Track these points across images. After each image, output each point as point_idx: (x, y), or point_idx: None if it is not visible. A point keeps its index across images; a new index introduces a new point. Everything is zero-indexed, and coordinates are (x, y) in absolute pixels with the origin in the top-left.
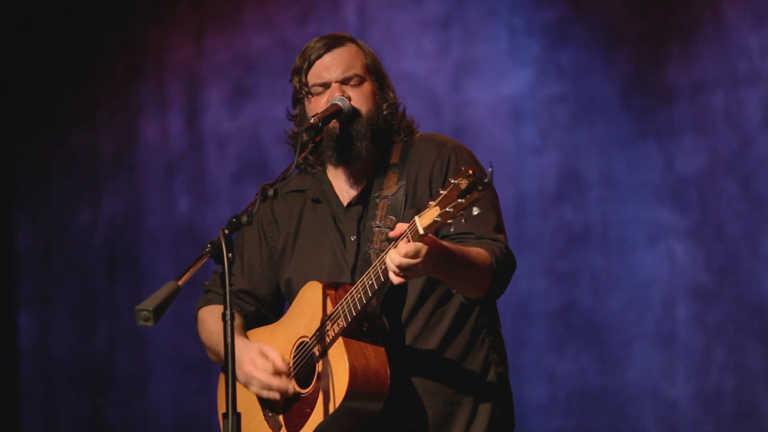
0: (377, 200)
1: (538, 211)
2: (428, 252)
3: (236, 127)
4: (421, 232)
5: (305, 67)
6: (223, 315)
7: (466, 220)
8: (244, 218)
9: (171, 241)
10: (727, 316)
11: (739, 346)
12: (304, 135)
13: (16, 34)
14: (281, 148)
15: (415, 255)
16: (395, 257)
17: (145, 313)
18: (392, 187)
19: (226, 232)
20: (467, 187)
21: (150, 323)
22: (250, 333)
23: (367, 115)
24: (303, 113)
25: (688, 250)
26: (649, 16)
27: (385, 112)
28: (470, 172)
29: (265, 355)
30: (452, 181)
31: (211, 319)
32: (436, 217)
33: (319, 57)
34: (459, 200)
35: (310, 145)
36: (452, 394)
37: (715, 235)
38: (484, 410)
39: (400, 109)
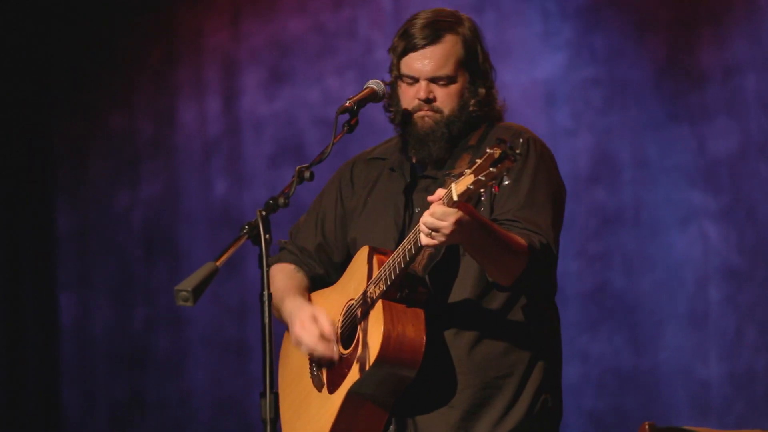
0: (446, 178)
1: (571, 194)
2: (459, 219)
3: (272, 111)
4: (455, 198)
5: (400, 52)
6: (260, 296)
7: (497, 190)
8: (281, 200)
9: (208, 223)
10: (759, 297)
11: None
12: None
13: (55, 19)
14: (317, 131)
15: (442, 217)
16: (425, 217)
17: (184, 293)
18: (463, 167)
19: (264, 213)
20: (499, 157)
21: (189, 303)
22: (311, 295)
23: (448, 115)
24: (394, 89)
25: (720, 232)
26: (681, 0)
27: (470, 109)
28: (505, 140)
29: (315, 320)
30: (488, 151)
31: (278, 277)
32: (470, 184)
33: (414, 50)
34: (491, 169)
35: (344, 129)
36: (495, 378)
37: (747, 217)
38: (525, 400)
39: (490, 99)
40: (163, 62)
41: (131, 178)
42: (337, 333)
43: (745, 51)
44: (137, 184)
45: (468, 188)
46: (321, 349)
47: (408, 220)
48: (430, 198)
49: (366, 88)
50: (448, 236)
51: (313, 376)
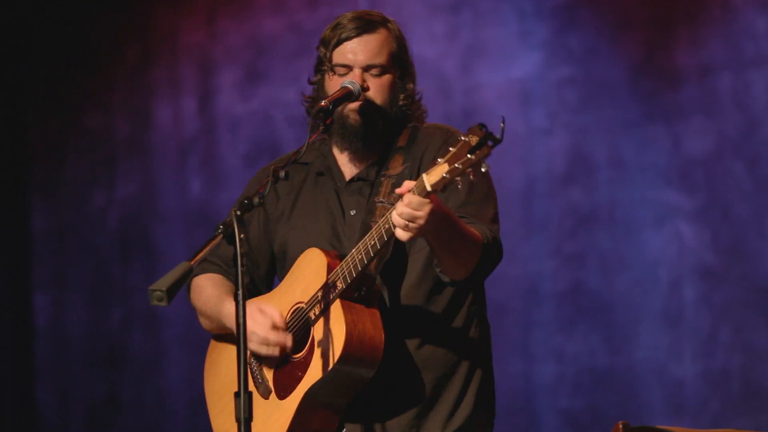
0: (382, 179)
1: (547, 193)
2: (432, 210)
3: (248, 110)
4: (429, 188)
5: (333, 43)
6: (235, 295)
7: (474, 177)
8: (256, 200)
9: (184, 222)
10: (734, 296)
11: (746, 325)
12: (313, 118)
13: (30, 17)
14: (293, 131)
15: (419, 207)
16: (400, 208)
17: (158, 293)
18: (398, 168)
19: (238, 213)
20: (478, 143)
21: (163, 303)
22: (247, 302)
23: (380, 106)
24: (322, 85)
25: (695, 231)
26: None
27: (400, 103)
28: (481, 127)
29: (263, 312)
30: (463, 138)
31: (208, 286)
32: (445, 173)
33: (348, 39)
34: (469, 156)
35: (320, 128)
36: (443, 375)
37: (722, 216)
38: (472, 392)
39: (417, 97)
40: (139, 61)
41: (107, 178)
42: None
43: (720, 50)
44: (113, 184)
45: (443, 177)
46: (273, 337)
47: (342, 224)
48: (399, 190)
49: (341, 88)
50: (423, 226)
51: (257, 384)
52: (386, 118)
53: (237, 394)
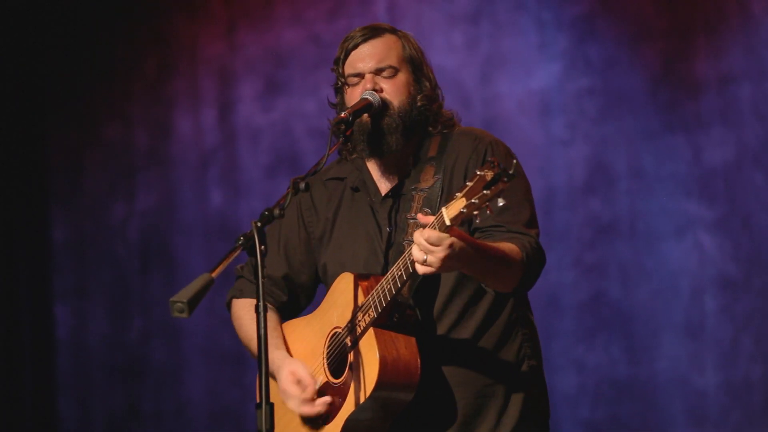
0: (414, 193)
1: (567, 203)
2: (452, 244)
3: (268, 121)
4: (448, 223)
5: (342, 56)
6: (256, 306)
7: (491, 212)
8: (276, 211)
9: (204, 233)
10: (755, 307)
11: (767, 335)
12: (334, 129)
13: (50, 28)
14: (313, 142)
15: (437, 243)
16: (419, 244)
17: (179, 304)
18: (429, 180)
19: (259, 224)
20: (492, 179)
21: (184, 315)
22: (287, 324)
23: (399, 107)
24: (342, 102)
25: (715, 241)
26: (676, 9)
27: (419, 104)
28: (495, 163)
29: (297, 382)
30: (478, 173)
31: (246, 318)
32: (462, 208)
33: (355, 47)
34: (484, 191)
35: (340, 139)
36: (485, 386)
37: (743, 227)
38: (516, 402)
39: (440, 100)
40: (159, 73)
41: (127, 189)
42: (324, 363)
43: (740, 60)
44: (133, 195)
45: (461, 212)
46: (306, 411)
47: (380, 241)
48: (418, 230)
49: (361, 99)
50: (444, 261)
51: None
52: (407, 119)
53: (258, 406)
